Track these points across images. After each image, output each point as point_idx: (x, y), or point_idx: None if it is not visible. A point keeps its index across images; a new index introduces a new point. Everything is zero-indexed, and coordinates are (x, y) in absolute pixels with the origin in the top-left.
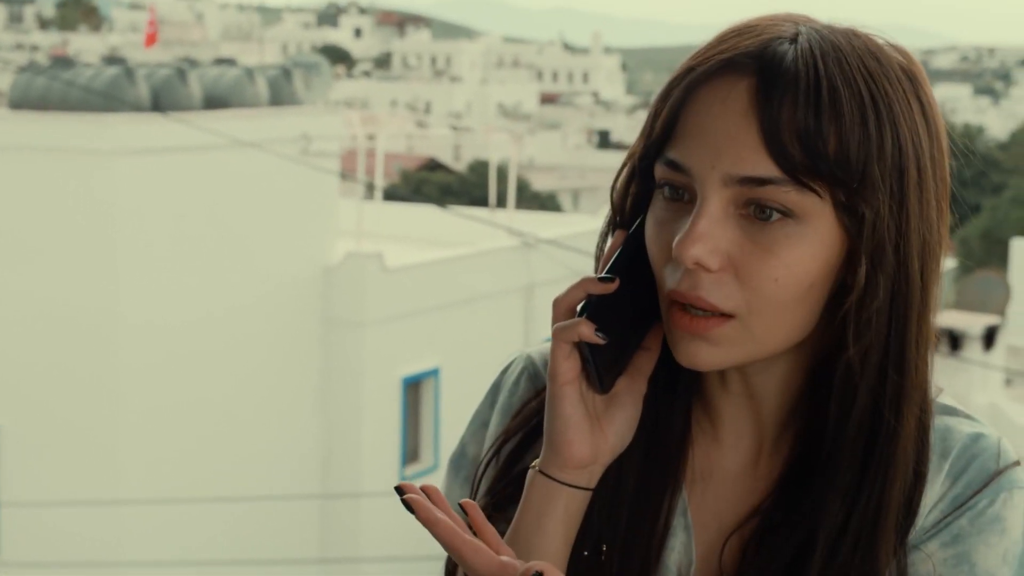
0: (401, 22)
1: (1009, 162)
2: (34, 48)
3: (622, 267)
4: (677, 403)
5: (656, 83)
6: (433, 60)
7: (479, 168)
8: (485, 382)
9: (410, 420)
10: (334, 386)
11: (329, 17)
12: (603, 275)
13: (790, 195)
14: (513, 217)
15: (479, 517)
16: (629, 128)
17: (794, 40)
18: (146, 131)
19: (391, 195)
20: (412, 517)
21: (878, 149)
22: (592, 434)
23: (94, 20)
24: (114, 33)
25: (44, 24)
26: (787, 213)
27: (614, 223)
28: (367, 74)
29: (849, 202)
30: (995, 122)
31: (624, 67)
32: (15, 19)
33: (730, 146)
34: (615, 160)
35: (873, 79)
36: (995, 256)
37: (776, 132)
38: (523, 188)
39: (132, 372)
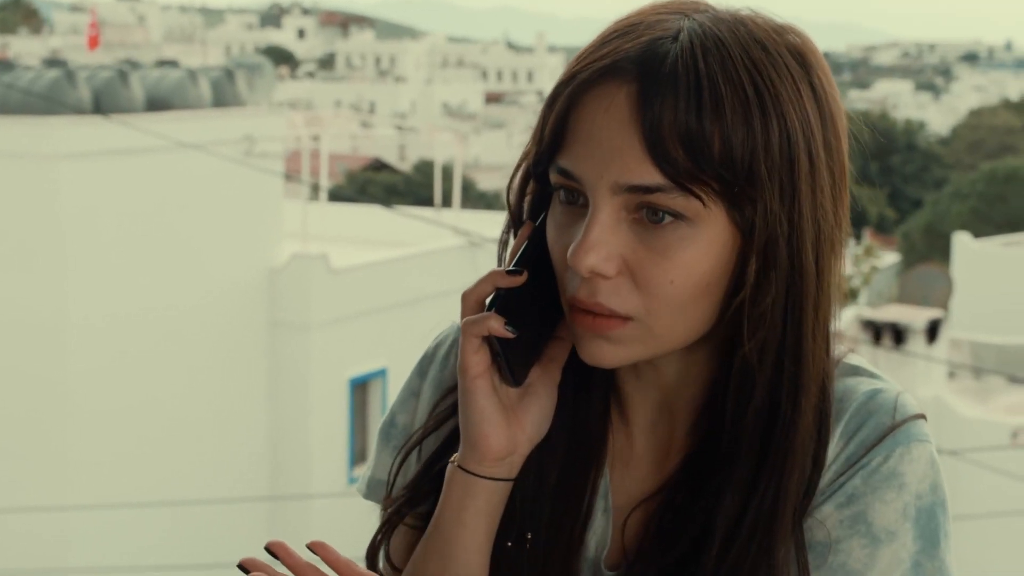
0: (344, 22)
1: (950, 157)
2: None
3: (529, 259)
4: (595, 389)
5: None
6: (377, 60)
7: (424, 168)
8: None
9: (358, 421)
10: (281, 388)
11: (272, 18)
12: (511, 268)
13: (677, 200)
14: (459, 217)
15: (330, 554)
16: None
17: (676, 38)
18: (88, 134)
19: (336, 196)
20: (361, 518)
21: (764, 144)
22: (508, 426)
23: (34, 23)
24: (55, 36)
25: None
26: (678, 216)
27: (512, 224)
28: (311, 75)
29: (737, 201)
30: (936, 117)
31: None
32: None
33: (615, 155)
34: None
35: (758, 71)
36: (937, 250)
37: (659, 139)
38: (469, 188)
39: (79, 376)
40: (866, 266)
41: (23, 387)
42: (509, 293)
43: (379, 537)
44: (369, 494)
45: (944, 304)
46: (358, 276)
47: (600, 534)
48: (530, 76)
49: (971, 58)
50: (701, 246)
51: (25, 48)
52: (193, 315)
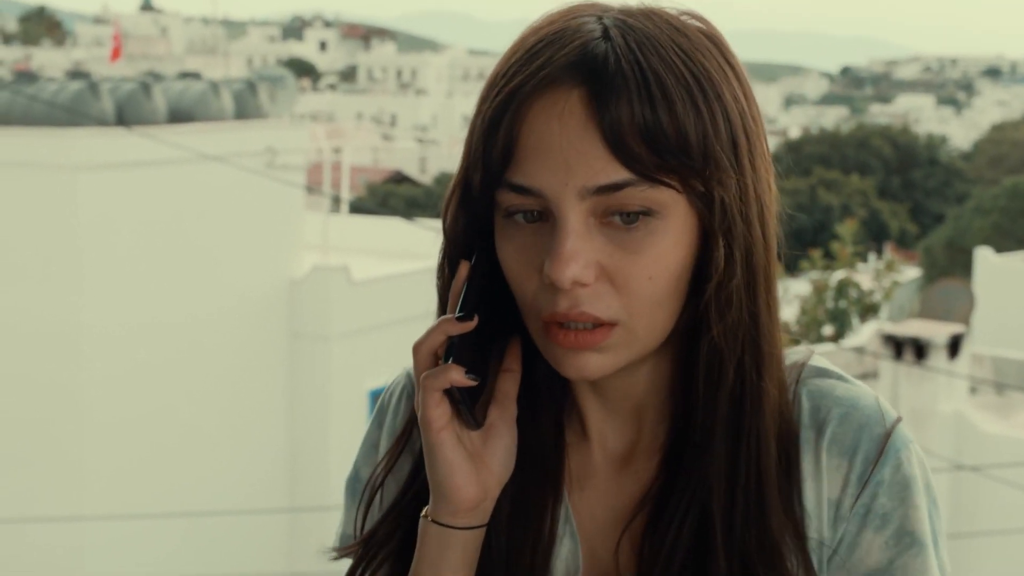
0: (366, 35)
1: (972, 172)
2: None
3: (474, 301)
4: (545, 415)
5: None
6: (399, 73)
7: (445, 180)
8: None
9: None
10: (300, 399)
11: (294, 31)
12: (459, 315)
13: (645, 194)
14: None
15: None
16: None
17: (606, 36)
18: (110, 146)
19: (357, 208)
20: None
21: (712, 127)
22: (478, 473)
23: (58, 35)
24: (78, 48)
25: (7, 39)
26: (647, 212)
27: (449, 253)
28: (332, 87)
29: (694, 187)
30: (958, 132)
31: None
32: None
33: (578, 160)
34: None
35: (689, 57)
36: (959, 265)
37: (619, 136)
38: None
39: (96, 385)
40: (887, 281)
41: (39, 396)
42: (462, 339)
43: None
44: (340, 551)
45: (966, 319)
46: (378, 288)
47: (568, 559)
48: None
49: (993, 73)
50: (670, 237)
51: (48, 60)
52: (213, 326)
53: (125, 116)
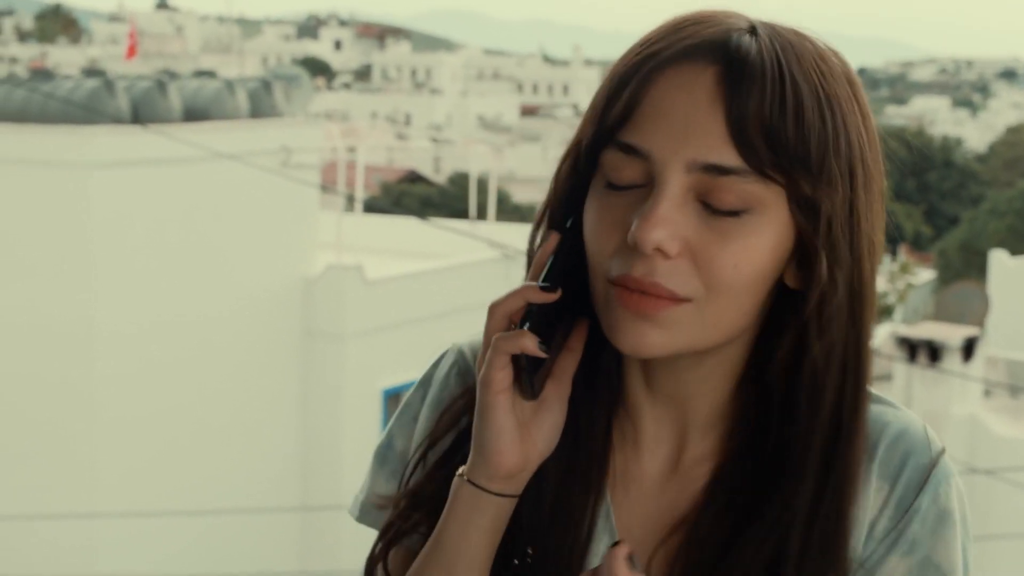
0: (381, 34)
1: (987, 174)
2: (13, 60)
3: (558, 273)
4: (598, 407)
5: None
6: (413, 72)
7: (459, 180)
8: None
9: None
10: (314, 398)
11: (309, 29)
12: (543, 284)
13: (749, 186)
14: (493, 229)
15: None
16: None
17: (753, 32)
18: (126, 143)
19: (371, 207)
20: None
21: (834, 145)
22: (522, 442)
23: (73, 32)
24: (93, 45)
25: (23, 36)
26: (747, 210)
27: (551, 213)
28: (347, 86)
29: (809, 194)
30: (973, 134)
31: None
32: None
33: (695, 132)
34: None
35: (824, 78)
36: (974, 268)
37: (742, 122)
38: (504, 200)
39: (108, 383)
40: (902, 283)
41: (52, 394)
42: (540, 309)
43: (378, 549)
44: (362, 517)
45: (980, 322)
46: (393, 287)
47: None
48: (566, 89)
49: (1009, 75)
50: (764, 235)
51: (64, 58)
52: (226, 324)
53: (140, 114)
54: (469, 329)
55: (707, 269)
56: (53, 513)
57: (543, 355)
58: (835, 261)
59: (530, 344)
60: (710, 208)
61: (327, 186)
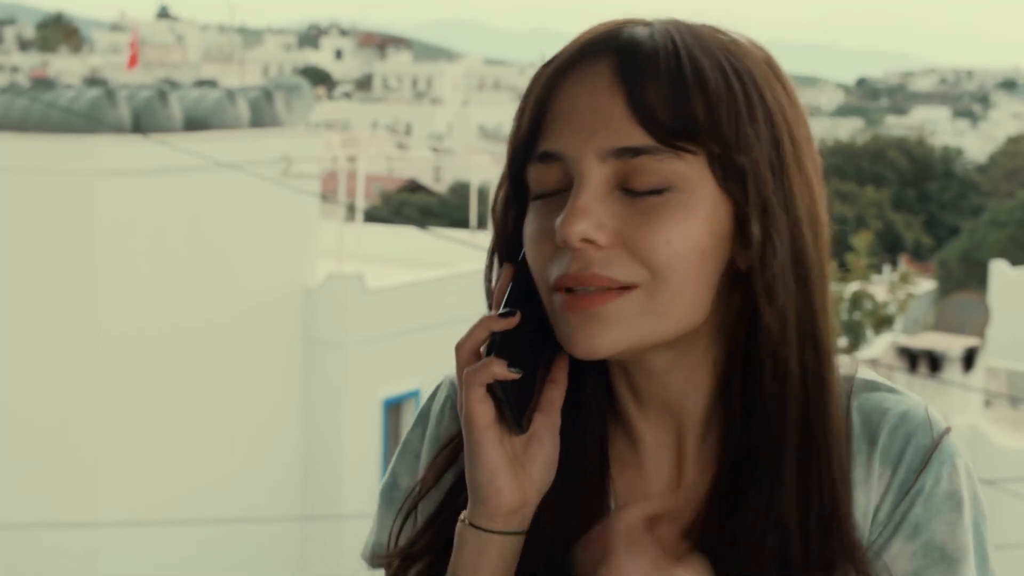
0: (382, 44)
1: (987, 184)
2: (14, 69)
3: (518, 300)
4: (589, 433)
5: None
6: (414, 82)
7: (460, 190)
8: None
9: (391, 442)
10: (315, 407)
11: (310, 39)
12: (503, 311)
13: (664, 162)
14: None
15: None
16: None
17: (648, 25)
18: (127, 152)
19: (372, 217)
20: None
21: (748, 112)
22: (517, 478)
23: (75, 41)
24: (95, 54)
25: (24, 45)
26: (668, 188)
27: (500, 248)
28: (348, 96)
29: (725, 157)
30: (973, 145)
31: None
32: None
33: (601, 122)
34: None
35: (733, 55)
36: (974, 278)
37: (643, 101)
38: None
39: (111, 391)
40: (902, 293)
41: (55, 401)
42: (504, 336)
43: None
44: (373, 560)
45: (981, 332)
46: (393, 297)
47: None
48: None
49: (1009, 85)
50: (693, 211)
51: (65, 67)
52: (227, 333)
53: (141, 123)
54: None
55: (641, 251)
56: (55, 522)
57: (516, 376)
58: (770, 224)
59: (499, 370)
60: (633, 192)
61: (328, 195)
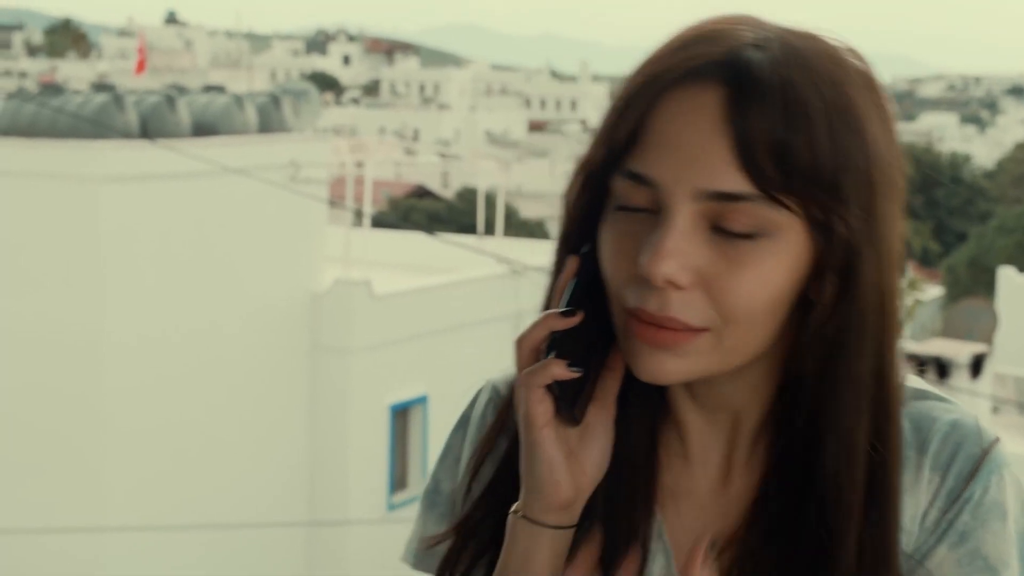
0: (389, 50)
1: (995, 190)
2: (23, 75)
3: (580, 296)
4: (641, 424)
5: None
6: (421, 87)
7: (467, 195)
8: None
9: (398, 447)
10: (321, 413)
11: (318, 44)
12: (564, 308)
13: (761, 211)
14: (501, 244)
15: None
16: None
17: (759, 46)
18: (135, 158)
19: (379, 222)
20: (397, 545)
21: (847, 158)
22: (572, 473)
23: (83, 47)
24: (103, 60)
25: (33, 51)
26: (760, 233)
27: (567, 238)
28: (356, 101)
29: (822, 215)
30: (981, 150)
31: (612, 94)
32: (3, 46)
33: (701, 159)
34: None
35: (837, 85)
36: (982, 284)
37: (749, 146)
38: (511, 215)
39: (117, 396)
40: (910, 299)
41: (60, 407)
42: (564, 335)
43: None
44: (418, 563)
45: (988, 338)
46: (400, 302)
47: (661, 574)
48: (574, 105)
49: (1017, 91)
50: (779, 259)
51: (74, 72)
52: (234, 338)
53: (149, 129)
54: (477, 344)
55: (721, 299)
56: (61, 527)
57: (575, 375)
58: (853, 275)
59: (559, 370)
60: (723, 231)
61: (335, 201)
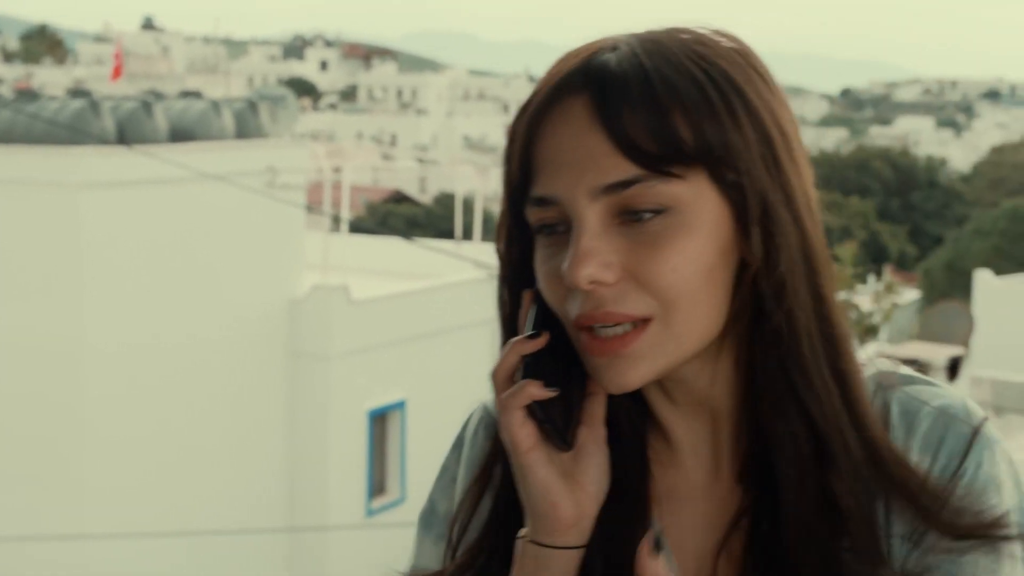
0: (367, 55)
1: (971, 194)
2: None
3: (542, 321)
4: (626, 437)
5: None
6: (399, 93)
7: (445, 200)
8: (452, 415)
9: (376, 453)
10: (300, 419)
11: (295, 50)
12: (530, 333)
13: (657, 188)
14: (479, 249)
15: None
16: None
17: (614, 48)
18: (112, 164)
19: (357, 228)
20: (378, 550)
21: (731, 119)
22: (572, 492)
23: (59, 53)
24: (79, 66)
25: (8, 57)
26: (662, 209)
27: (505, 279)
28: (333, 107)
29: (717, 170)
30: (957, 154)
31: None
32: None
33: (585, 162)
34: None
35: (705, 59)
36: (958, 287)
37: (624, 133)
38: (489, 220)
39: (97, 403)
40: (887, 303)
41: (41, 414)
42: (536, 358)
43: None
44: None
45: (965, 342)
46: (378, 308)
47: None
48: None
49: (993, 95)
50: (696, 230)
51: (50, 78)
52: (213, 345)
53: (126, 135)
54: (455, 349)
55: (650, 282)
56: (42, 534)
57: (553, 393)
58: (772, 224)
59: (535, 390)
60: (632, 221)
61: (313, 206)
